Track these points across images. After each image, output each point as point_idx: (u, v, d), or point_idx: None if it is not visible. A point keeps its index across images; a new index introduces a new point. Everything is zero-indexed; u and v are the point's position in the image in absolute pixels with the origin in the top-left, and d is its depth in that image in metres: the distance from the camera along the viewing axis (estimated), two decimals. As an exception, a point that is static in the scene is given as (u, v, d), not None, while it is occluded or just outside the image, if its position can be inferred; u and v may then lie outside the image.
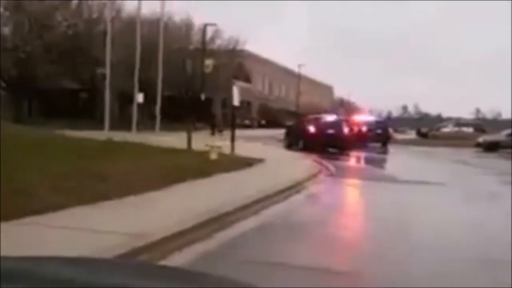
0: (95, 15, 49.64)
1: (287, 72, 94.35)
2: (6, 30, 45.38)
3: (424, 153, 35.52)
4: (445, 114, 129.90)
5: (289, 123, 41.00)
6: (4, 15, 44.44)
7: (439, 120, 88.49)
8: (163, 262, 6.83)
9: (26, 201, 8.51)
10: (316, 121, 33.92)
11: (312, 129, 32.30)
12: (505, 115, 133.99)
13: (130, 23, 42.90)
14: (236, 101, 23.06)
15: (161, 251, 7.28)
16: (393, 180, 19.25)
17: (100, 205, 9.41)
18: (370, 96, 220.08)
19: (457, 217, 12.17)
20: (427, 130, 61.58)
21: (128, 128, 35.37)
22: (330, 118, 36.05)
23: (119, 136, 23.71)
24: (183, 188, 12.41)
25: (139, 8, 38.53)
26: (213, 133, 43.22)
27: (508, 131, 43.71)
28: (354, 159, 29.68)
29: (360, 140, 38.01)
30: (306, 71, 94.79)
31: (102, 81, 37.02)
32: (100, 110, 38.44)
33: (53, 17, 45.83)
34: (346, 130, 33.14)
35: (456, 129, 56.72)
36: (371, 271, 7.31)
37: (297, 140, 32.29)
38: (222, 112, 63.00)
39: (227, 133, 27.60)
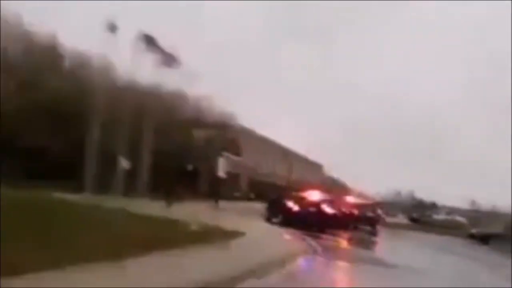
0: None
1: (278, 148, 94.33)
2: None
3: (414, 240, 34.58)
4: (440, 203, 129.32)
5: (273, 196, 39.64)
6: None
7: (433, 207, 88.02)
8: None
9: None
10: (299, 198, 33.17)
11: (293, 205, 31.55)
12: (501, 208, 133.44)
13: (122, 90, 42.32)
14: (221, 172, 22.25)
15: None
16: (377, 263, 18.32)
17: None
18: (361, 179, 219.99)
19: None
20: (419, 215, 60.90)
21: (109, 193, 34.30)
22: (314, 196, 35.21)
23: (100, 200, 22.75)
24: (157, 258, 11.17)
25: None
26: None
27: (502, 224, 43.01)
28: (341, 240, 28.67)
29: (349, 222, 37.24)
30: (297, 147, 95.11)
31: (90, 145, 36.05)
32: (79, 171, 37.25)
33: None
34: (328, 209, 32.32)
35: (449, 217, 55.94)
36: None
37: (278, 214, 31.46)
38: (210, 183, 62.06)
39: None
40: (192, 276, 9.97)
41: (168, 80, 54.94)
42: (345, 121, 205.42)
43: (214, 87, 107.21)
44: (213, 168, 49.66)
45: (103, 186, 35.96)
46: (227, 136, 66.18)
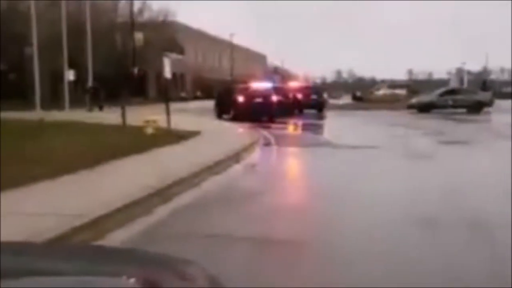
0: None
1: (220, 43, 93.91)
2: None
3: (359, 117, 35.91)
4: (379, 76, 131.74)
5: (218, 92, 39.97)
6: None
7: (374, 83, 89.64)
8: (102, 241, 6.72)
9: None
10: (245, 90, 33.73)
11: (241, 98, 32.17)
12: (437, 75, 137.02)
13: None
14: (167, 74, 22.68)
15: (101, 229, 7.13)
16: (329, 145, 19.43)
17: (32, 188, 9.14)
18: (303, 63, 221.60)
19: (392, 178, 12.34)
20: (361, 94, 62.29)
21: (61, 107, 34.66)
22: (258, 86, 35.80)
23: (51, 115, 23.23)
24: (115, 166, 12.14)
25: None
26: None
27: (439, 91, 44.53)
28: (291, 127, 29.80)
29: (295, 107, 38.27)
30: (238, 41, 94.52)
31: (30, 60, 35.99)
32: (30, 90, 37.44)
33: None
34: (275, 98, 32.99)
35: (389, 91, 57.50)
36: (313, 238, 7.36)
37: (228, 109, 32.20)
38: (157, 85, 62.34)
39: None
40: (182, 167, 11.47)
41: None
42: (282, 8, 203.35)
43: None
44: (158, 70, 49.85)
45: (53, 100, 36.33)
46: (166, 35, 65.71)
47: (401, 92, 55.80)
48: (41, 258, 2.10)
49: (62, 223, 6.93)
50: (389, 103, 47.44)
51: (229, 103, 32.43)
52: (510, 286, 5.15)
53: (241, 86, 36.48)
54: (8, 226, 6.68)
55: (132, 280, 1.86)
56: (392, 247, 6.80)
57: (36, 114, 26.53)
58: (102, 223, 7.38)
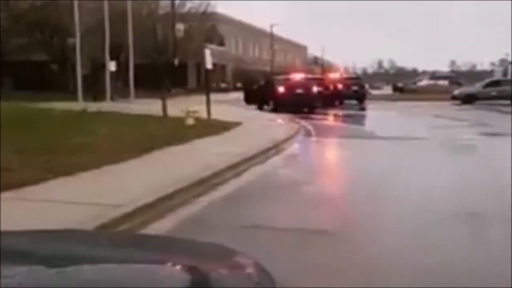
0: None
1: (260, 33, 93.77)
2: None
3: (402, 108, 35.51)
4: (421, 67, 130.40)
5: (251, 85, 39.79)
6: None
7: (415, 74, 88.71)
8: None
9: (3, 176, 8.31)
10: (285, 82, 33.64)
11: (281, 89, 32.13)
12: (480, 67, 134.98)
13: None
14: (208, 65, 22.74)
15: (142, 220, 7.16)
16: (373, 136, 19.23)
17: (79, 176, 9.23)
18: (344, 54, 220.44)
19: (440, 170, 12.10)
20: (403, 84, 61.71)
21: (102, 97, 35.00)
22: (299, 77, 35.75)
23: (94, 106, 23.46)
24: (158, 156, 12.19)
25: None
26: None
27: (482, 82, 43.89)
28: (332, 118, 29.64)
29: (335, 98, 38.10)
30: (279, 32, 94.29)
31: (73, 51, 36.38)
32: (73, 81, 37.87)
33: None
34: (315, 89, 32.94)
35: (432, 82, 56.83)
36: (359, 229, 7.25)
37: (267, 100, 32.19)
38: (197, 76, 62.58)
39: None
40: (224, 157, 11.67)
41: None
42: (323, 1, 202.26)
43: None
44: (198, 61, 49.97)
45: (95, 92, 36.70)
46: (207, 26, 65.83)
47: (444, 83, 55.10)
48: (88, 245, 2.11)
49: (104, 212, 6.99)
50: (432, 94, 46.80)
51: (269, 94, 32.41)
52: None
53: (281, 77, 36.47)
54: (54, 213, 6.74)
55: (179, 267, 1.85)
56: (452, 241, 6.61)
57: (78, 105, 26.83)
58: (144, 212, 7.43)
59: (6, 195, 7.63)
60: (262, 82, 37.61)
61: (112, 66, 36.93)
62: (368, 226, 7.39)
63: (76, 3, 33.58)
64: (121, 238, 2.55)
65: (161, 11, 61.25)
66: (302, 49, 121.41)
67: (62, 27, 42.72)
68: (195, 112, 19.02)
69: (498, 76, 60.08)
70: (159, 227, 6.97)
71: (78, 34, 33.35)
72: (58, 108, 23.06)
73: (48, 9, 45.13)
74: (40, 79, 49.47)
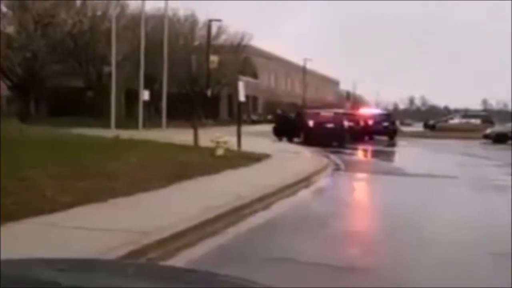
0: (99, 13, 49.52)
1: (293, 67, 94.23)
2: (11, 30, 45.40)
3: (432, 145, 35.32)
4: (452, 105, 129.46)
5: (278, 117, 40.24)
6: (8, 14, 44.48)
7: (447, 112, 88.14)
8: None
9: (37, 201, 8.51)
10: (316, 115, 33.92)
11: (311, 122, 32.32)
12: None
13: (135, 20, 42.93)
14: (242, 97, 22.95)
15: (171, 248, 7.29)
16: (402, 173, 19.17)
17: (110, 203, 9.42)
18: (375, 89, 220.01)
19: (469, 210, 12.04)
20: (434, 122, 61.36)
21: (134, 125, 35.44)
22: (329, 111, 36.11)
23: (126, 133, 23.75)
24: (189, 185, 12.34)
25: (143, 5, 38.52)
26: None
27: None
28: (361, 153, 29.61)
29: (366, 134, 38.07)
30: (312, 66, 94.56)
31: (108, 79, 36.99)
32: (106, 108, 38.46)
33: (58, 15, 45.77)
34: (345, 123, 33.10)
35: (463, 120, 56.44)
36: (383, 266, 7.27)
37: (298, 133, 32.36)
38: (229, 107, 62.98)
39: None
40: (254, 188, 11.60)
41: (179, 6, 55.23)
42: (357, 35, 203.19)
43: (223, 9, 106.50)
44: (230, 92, 50.40)
45: (127, 119, 37.18)
46: (241, 57, 66.39)
47: (476, 121, 54.67)
48: (112, 275, 2.13)
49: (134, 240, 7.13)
50: (463, 132, 46.45)
51: (300, 127, 32.57)
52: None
53: (312, 111, 36.69)
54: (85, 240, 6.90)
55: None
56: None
57: (111, 132, 27.17)
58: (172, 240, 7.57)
59: (38, 220, 7.79)
60: (292, 115, 37.77)
61: (145, 95, 37.44)
62: (398, 263, 7.41)
63: (114, 32, 34.20)
64: (140, 269, 2.57)
65: (196, 42, 62.05)
66: (334, 83, 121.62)
67: (99, 55, 43.52)
68: (225, 142, 19.15)
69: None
70: (188, 255, 7.09)
71: (114, 62, 33.90)
72: (90, 134, 23.43)
73: (85, 37, 46.02)
74: (75, 105, 50.23)
